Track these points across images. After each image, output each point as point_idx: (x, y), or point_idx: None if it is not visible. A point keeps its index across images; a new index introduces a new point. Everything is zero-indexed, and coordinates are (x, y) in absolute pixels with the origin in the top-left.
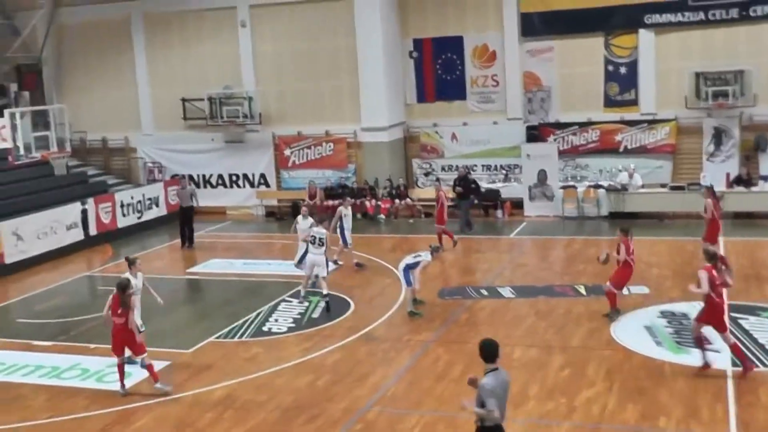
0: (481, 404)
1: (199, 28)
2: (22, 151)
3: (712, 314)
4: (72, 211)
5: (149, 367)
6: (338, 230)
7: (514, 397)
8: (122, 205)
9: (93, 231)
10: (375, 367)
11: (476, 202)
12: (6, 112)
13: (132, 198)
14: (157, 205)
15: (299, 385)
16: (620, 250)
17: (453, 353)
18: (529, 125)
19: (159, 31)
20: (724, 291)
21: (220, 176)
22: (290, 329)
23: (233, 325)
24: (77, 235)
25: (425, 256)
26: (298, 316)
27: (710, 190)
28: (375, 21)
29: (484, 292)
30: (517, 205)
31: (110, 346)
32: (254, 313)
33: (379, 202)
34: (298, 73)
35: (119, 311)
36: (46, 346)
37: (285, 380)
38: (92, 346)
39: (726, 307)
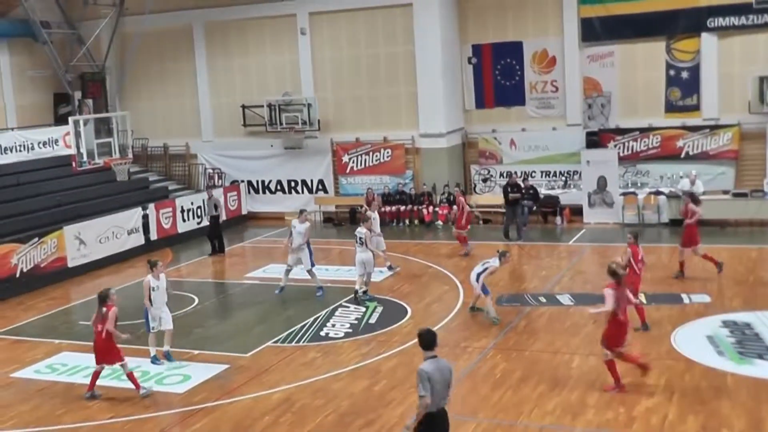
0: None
1: (259, 35)
2: (85, 158)
3: (616, 335)
4: (133, 216)
5: (130, 375)
6: None
7: (573, 405)
8: (182, 211)
9: (154, 236)
10: None
11: (534, 208)
12: (70, 119)
13: (192, 203)
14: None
15: (356, 390)
16: (626, 255)
17: (511, 360)
18: (588, 131)
19: (219, 39)
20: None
21: (279, 182)
22: (347, 334)
23: (291, 330)
24: (138, 239)
25: (493, 262)
26: (355, 322)
27: (691, 196)
28: (434, 27)
29: (543, 300)
30: (577, 211)
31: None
32: (312, 318)
33: (437, 209)
34: (356, 79)
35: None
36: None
37: (342, 385)
38: (154, 349)
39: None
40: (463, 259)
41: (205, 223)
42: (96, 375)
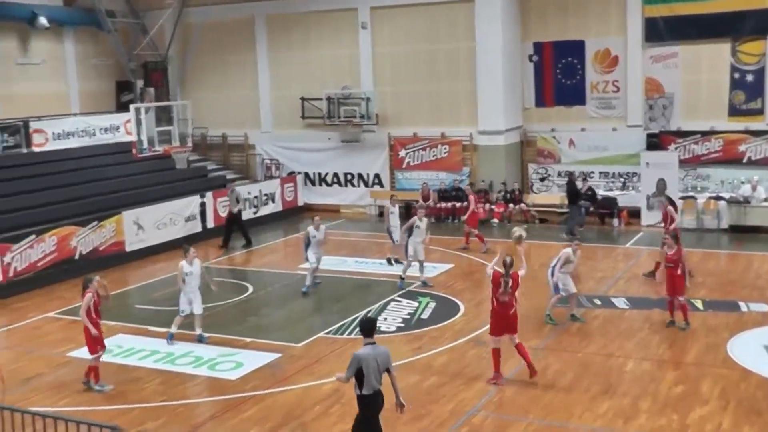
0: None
1: (320, 29)
2: (145, 145)
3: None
4: (191, 203)
5: (89, 367)
6: (386, 227)
7: (625, 410)
8: (239, 200)
9: (210, 224)
10: (483, 371)
11: (591, 209)
12: (132, 106)
13: (249, 193)
14: (273, 201)
15: (406, 385)
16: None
17: (563, 362)
18: (649, 132)
19: (281, 31)
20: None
21: (335, 175)
22: (399, 329)
23: (343, 322)
24: (195, 227)
25: (563, 252)
26: (408, 317)
27: (669, 199)
28: (496, 24)
29: (597, 302)
30: (634, 214)
31: (222, 337)
32: (364, 311)
33: (493, 206)
34: (416, 74)
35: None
36: (161, 332)
37: None
38: (206, 335)
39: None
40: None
41: (261, 213)
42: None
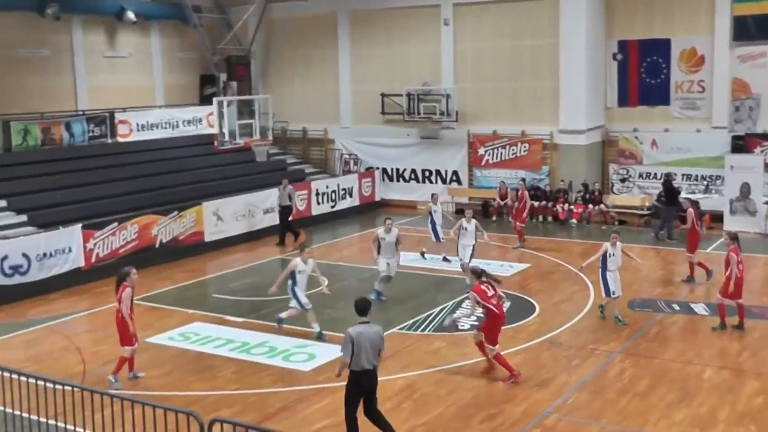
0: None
1: (402, 25)
2: (226, 137)
3: (491, 326)
4: (270, 196)
5: (121, 360)
6: (429, 225)
7: (702, 419)
8: (317, 194)
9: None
10: (557, 373)
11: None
12: (214, 100)
13: (327, 187)
14: (350, 196)
15: (479, 384)
16: (729, 259)
17: (640, 367)
18: (734, 135)
19: (363, 27)
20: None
21: (413, 171)
22: (473, 327)
23: (417, 318)
24: (273, 219)
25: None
26: (482, 315)
27: (691, 201)
28: (580, 21)
29: (676, 307)
30: (717, 218)
31: (297, 328)
32: (438, 308)
33: (572, 207)
34: (497, 71)
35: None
36: (237, 321)
37: (465, 377)
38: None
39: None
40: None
41: (339, 207)
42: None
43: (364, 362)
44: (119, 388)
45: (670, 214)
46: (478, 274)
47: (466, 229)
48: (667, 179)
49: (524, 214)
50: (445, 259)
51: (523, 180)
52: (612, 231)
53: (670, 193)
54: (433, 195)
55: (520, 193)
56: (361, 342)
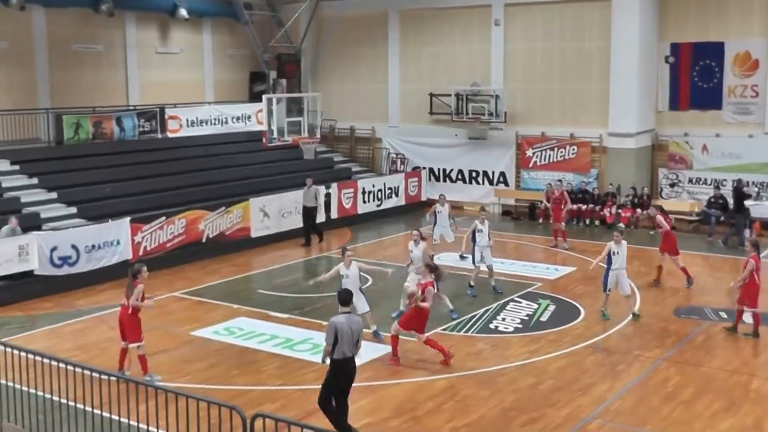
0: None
1: (452, 25)
2: (275, 134)
3: (418, 320)
4: (317, 193)
5: (140, 357)
6: (432, 226)
7: (748, 429)
8: (364, 192)
9: (334, 214)
10: (601, 378)
11: (722, 218)
12: (264, 97)
13: (373, 186)
14: (396, 195)
15: (521, 386)
16: (747, 265)
17: (685, 375)
18: None
19: (413, 27)
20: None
21: (460, 171)
22: (517, 330)
23: (461, 319)
24: (319, 217)
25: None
26: (526, 318)
27: (658, 208)
28: (633, 23)
29: (723, 315)
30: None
31: None
32: (482, 310)
33: (620, 211)
34: (547, 73)
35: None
36: (281, 318)
37: (507, 379)
38: (325, 323)
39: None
40: (642, 266)
41: (384, 206)
42: (123, 353)
43: (346, 351)
44: (160, 380)
45: (741, 221)
46: (432, 269)
47: (481, 231)
48: (738, 185)
49: (563, 214)
50: (461, 257)
51: (561, 180)
52: (615, 230)
53: (740, 199)
54: (440, 196)
55: (561, 194)
56: (344, 331)
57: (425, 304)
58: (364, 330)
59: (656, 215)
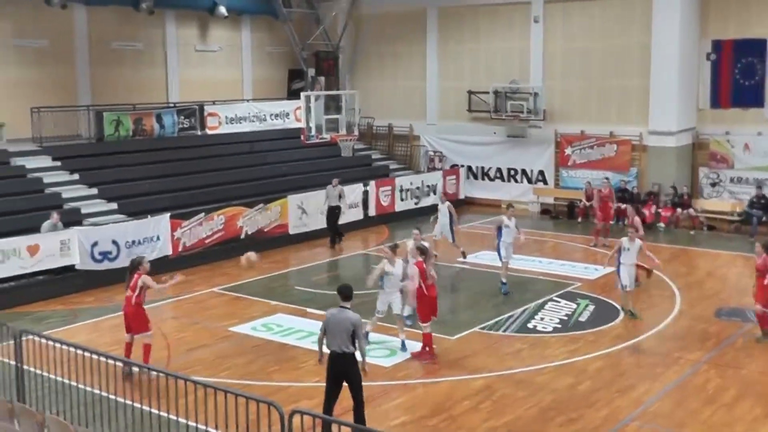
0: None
1: (491, 22)
2: (313, 132)
3: (424, 305)
4: (354, 191)
5: (146, 347)
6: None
7: None
8: (401, 190)
9: (372, 212)
10: (640, 380)
11: (764, 219)
12: (302, 94)
13: (411, 184)
14: (434, 193)
15: (559, 387)
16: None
17: (726, 378)
18: None
19: (452, 24)
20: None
21: (499, 169)
22: (555, 329)
23: (498, 318)
24: (357, 214)
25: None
26: (565, 318)
27: (635, 208)
28: (674, 20)
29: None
30: None
31: (378, 324)
32: (520, 309)
33: (660, 210)
34: (586, 70)
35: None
36: (319, 314)
37: (545, 379)
38: (363, 320)
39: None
40: (682, 266)
41: (422, 204)
42: (128, 346)
43: (334, 345)
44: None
45: None
46: (423, 250)
47: (508, 227)
48: None
49: (605, 212)
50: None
51: (607, 179)
52: (629, 227)
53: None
54: (442, 194)
55: (607, 191)
56: (330, 324)
57: (430, 282)
58: (399, 337)
59: (633, 216)
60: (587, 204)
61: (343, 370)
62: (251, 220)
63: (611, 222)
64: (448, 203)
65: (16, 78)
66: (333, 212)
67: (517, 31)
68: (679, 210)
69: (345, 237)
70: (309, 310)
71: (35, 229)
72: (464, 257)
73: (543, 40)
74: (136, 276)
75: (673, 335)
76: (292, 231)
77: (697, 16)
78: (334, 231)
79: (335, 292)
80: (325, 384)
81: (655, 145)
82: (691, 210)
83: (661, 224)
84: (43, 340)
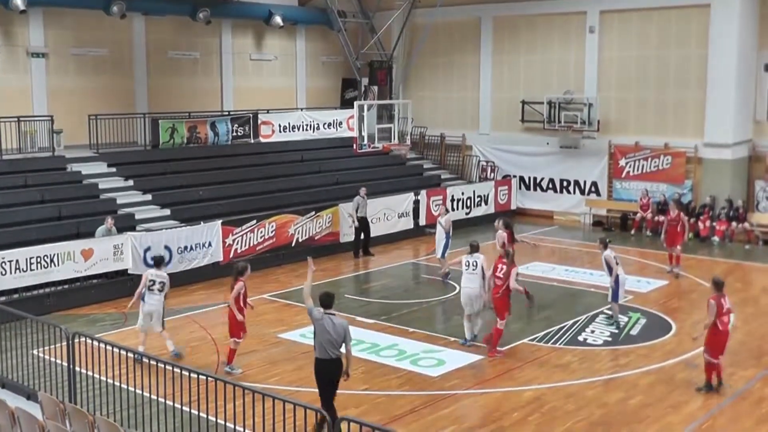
0: None
1: (546, 32)
2: (365, 141)
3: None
4: (405, 200)
5: (230, 350)
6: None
7: None
8: (453, 200)
9: (422, 221)
10: (692, 396)
11: None
12: (355, 103)
13: (462, 194)
14: (486, 203)
15: (609, 401)
16: (709, 308)
17: None
18: None
19: (506, 34)
20: None
21: (551, 180)
22: (606, 343)
23: (549, 330)
24: (407, 223)
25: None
26: (616, 331)
27: (506, 224)
28: (732, 31)
29: None
30: None
31: (427, 333)
32: (571, 321)
33: (714, 224)
34: (641, 81)
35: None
36: (368, 323)
37: (595, 393)
38: (411, 330)
39: None
40: (737, 281)
41: (473, 214)
42: (231, 351)
43: (322, 353)
44: (239, 373)
45: None
46: (507, 253)
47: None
48: None
49: (678, 236)
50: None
51: (680, 196)
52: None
53: None
54: (441, 207)
55: (678, 212)
56: (317, 328)
57: (517, 286)
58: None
59: (501, 231)
60: (643, 215)
61: (322, 373)
62: (303, 227)
63: (678, 247)
64: (447, 218)
65: (74, 86)
66: (365, 223)
67: (573, 42)
68: (734, 224)
69: (392, 247)
70: (358, 318)
71: (90, 234)
72: (445, 278)
73: (598, 50)
74: (235, 283)
75: (727, 351)
76: (342, 239)
77: (755, 28)
78: (366, 243)
79: (383, 301)
80: (318, 391)
81: (711, 157)
82: (746, 224)
83: (716, 238)
84: (95, 343)
